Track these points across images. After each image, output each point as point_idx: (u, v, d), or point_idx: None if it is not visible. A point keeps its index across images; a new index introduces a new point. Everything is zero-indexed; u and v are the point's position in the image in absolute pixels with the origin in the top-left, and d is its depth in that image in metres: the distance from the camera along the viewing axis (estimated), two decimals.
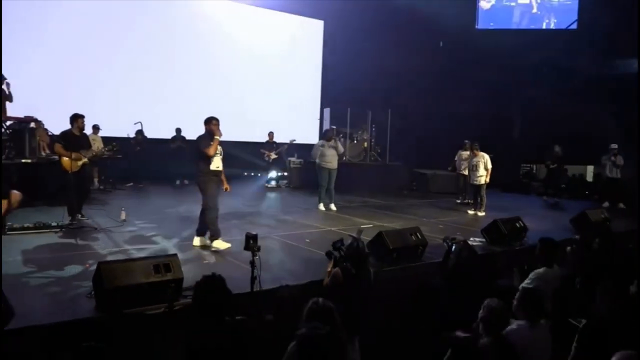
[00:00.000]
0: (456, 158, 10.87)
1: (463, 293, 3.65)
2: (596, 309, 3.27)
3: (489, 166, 9.07)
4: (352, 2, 13.74)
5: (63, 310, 3.45)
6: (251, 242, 3.78)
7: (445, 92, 15.09)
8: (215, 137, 5.56)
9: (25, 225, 5.87)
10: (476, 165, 9.12)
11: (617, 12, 14.44)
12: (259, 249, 3.80)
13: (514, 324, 2.93)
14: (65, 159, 6.54)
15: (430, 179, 12.55)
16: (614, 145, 11.10)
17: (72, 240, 5.60)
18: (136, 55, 11.48)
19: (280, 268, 4.82)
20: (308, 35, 14.63)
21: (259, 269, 3.77)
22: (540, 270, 4.08)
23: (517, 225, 6.26)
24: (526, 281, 4.03)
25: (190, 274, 4.15)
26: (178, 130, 11.56)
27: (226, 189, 5.81)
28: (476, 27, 18.09)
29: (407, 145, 13.93)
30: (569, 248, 4.59)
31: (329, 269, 3.98)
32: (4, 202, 5.73)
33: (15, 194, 6.06)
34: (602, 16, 15.07)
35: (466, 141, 10.48)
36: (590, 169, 15.67)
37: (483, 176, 9.00)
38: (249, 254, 3.79)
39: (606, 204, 10.83)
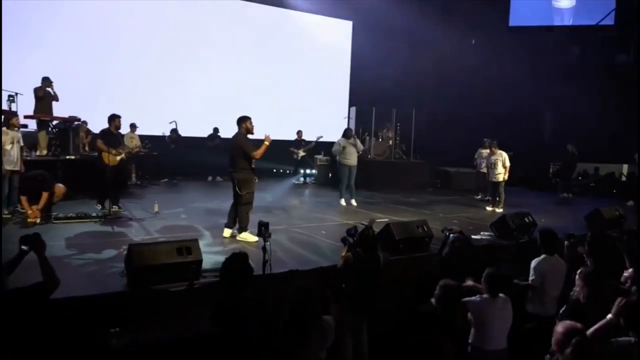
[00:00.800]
0: (476, 156, 11.07)
1: (455, 280, 3.97)
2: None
3: (507, 164, 9.26)
4: (382, 1, 14.06)
5: (99, 285, 3.98)
6: (263, 229, 4.23)
7: (475, 90, 15.17)
8: (265, 142, 5.99)
9: (69, 215, 6.49)
10: (494, 163, 9.32)
11: None
12: (270, 235, 4.24)
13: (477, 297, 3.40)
14: (106, 154, 7.17)
15: (453, 177, 12.75)
16: None
17: (109, 229, 6.19)
18: (172, 58, 12.10)
19: (293, 256, 5.25)
20: (337, 36, 15.01)
21: (269, 254, 4.21)
22: (540, 258, 4.34)
23: (526, 220, 6.49)
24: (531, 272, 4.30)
25: (212, 259, 4.64)
26: (215, 130, 12.15)
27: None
28: (509, 24, 18.13)
29: (433, 144, 14.14)
30: (566, 242, 4.82)
31: (343, 254, 4.33)
32: (45, 196, 6.42)
33: (60, 187, 6.75)
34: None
35: (485, 139, 10.67)
36: (625, 167, 15.44)
37: (501, 174, 9.20)
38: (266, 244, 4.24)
39: (630, 202, 10.81)
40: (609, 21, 16.98)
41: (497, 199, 9.19)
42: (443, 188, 12.69)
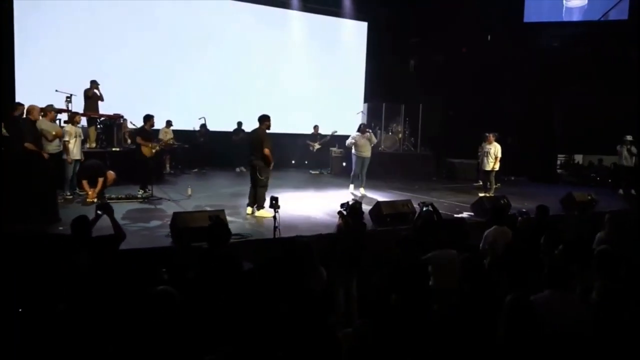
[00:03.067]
0: (479, 150, 12.08)
1: (424, 243, 5.13)
2: None
3: (499, 155, 10.29)
4: (396, 2, 15.10)
5: (152, 242, 5.31)
6: (274, 201, 5.49)
7: (487, 85, 15.91)
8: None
9: (119, 196, 7.89)
10: (488, 152, 10.37)
11: None
12: (279, 207, 5.49)
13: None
14: (145, 147, 8.56)
15: (458, 168, 13.80)
16: (629, 137, 11.87)
17: (152, 207, 7.59)
18: (200, 60, 13.36)
19: (302, 226, 6.51)
20: (352, 37, 16.08)
21: (279, 222, 5.47)
22: (491, 228, 5.47)
23: (502, 202, 7.59)
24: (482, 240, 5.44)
25: (234, 228, 5.94)
26: (239, 124, 13.37)
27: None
28: (523, 20, 18.82)
29: (441, 137, 15.16)
30: (519, 218, 5.93)
31: (339, 223, 5.53)
32: (100, 181, 7.84)
33: (111, 174, 8.17)
34: None
35: (486, 134, 11.67)
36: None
37: (492, 163, 10.24)
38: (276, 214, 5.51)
39: (620, 191, 11.72)
40: (623, 16, 17.43)
41: (489, 186, 10.24)
42: (448, 178, 13.74)
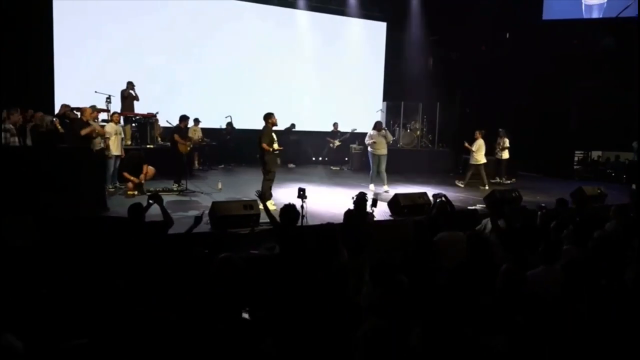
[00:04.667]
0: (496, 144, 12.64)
1: (437, 228, 5.65)
2: None
3: (482, 150, 11.44)
4: (415, 2, 15.57)
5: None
6: (301, 192, 6.07)
7: (506, 83, 15.98)
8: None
9: (157, 189, 8.56)
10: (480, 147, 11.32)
11: None
12: (306, 197, 6.08)
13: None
14: (181, 145, 9.24)
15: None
16: None
17: (188, 199, 8.26)
18: (225, 61, 14.04)
19: (325, 215, 7.08)
20: (373, 37, 16.58)
21: (306, 211, 6.06)
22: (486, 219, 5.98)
23: (513, 195, 8.06)
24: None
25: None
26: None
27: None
28: (542, 17, 19.08)
29: (459, 134, 15.55)
30: (539, 212, 6.42)
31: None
32: (144, 168, 8.55)
33: (151, 169, 8.86)
34: None
35: (500, 129, 12.19)
36: None
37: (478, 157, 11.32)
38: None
39: (633, 186, 12.02)
40: (633, 13, 17.58)
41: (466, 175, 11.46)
42: (465, 174, 14.14)
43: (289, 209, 4.98)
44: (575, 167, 17.22)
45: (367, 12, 16.01)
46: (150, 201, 5.16)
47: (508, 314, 2.77)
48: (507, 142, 12.07)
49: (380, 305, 2.88)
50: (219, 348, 2.57)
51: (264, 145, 7.79)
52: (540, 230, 5.60)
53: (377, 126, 10.84)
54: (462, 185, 11.30)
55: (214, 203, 5.98)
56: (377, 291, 3.11)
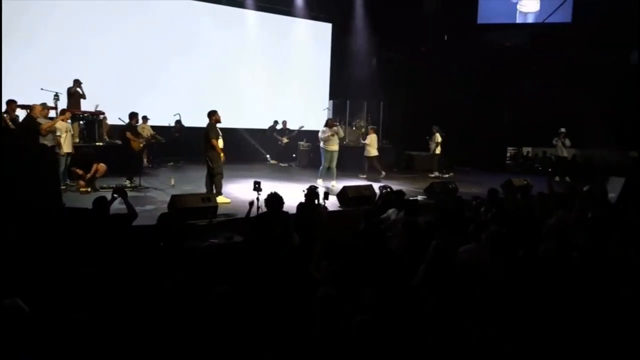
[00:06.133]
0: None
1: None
2: None
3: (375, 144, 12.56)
4: (359, 4, 16.21)
5: (153, 221, 6.18)
6: (257, 185, 6.47)
7: (445, 83, 16.66)
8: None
9: (110, 185, 8.67)
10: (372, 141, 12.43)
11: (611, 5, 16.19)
12: (261, 190, 6.48)
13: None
14: (134, 142, 9.37)
15: (416, 159, 15.05)
16: (563, 129, 13.37)
17: (143, 194, 8.45)
18: (175, 59, 14.10)
19: None
20: (319, 37, 17.10)
21: (261, 202, 6.45)
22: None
23: (450, 186, 8.80)
24: None
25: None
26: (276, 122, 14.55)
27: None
28: (477, 21, 20.22)
29: (402, 131, 16.42)
30: (474, 202, 7.14)
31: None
32: (94, 166, 8.63)
33: (102, 166, 8.95)
34: (595, 9, 16.88)
35: (434, 126, 13.21)
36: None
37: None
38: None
39: (557, 178, 13.19)
40: (567, 19, 19.04)
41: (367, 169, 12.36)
42: (407, 169, 14.98)
43: (273, 196, 5.41)
44: (507, 162, 18.51)
45: (313, 13, 16.51)
46: (115, 195, 5.42)
47: (440, 278, 3.32)
48: (439, 138, 13.13)
49: (330, 277, 3.38)
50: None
51: (213, 142, 8.09)
52: (474, 215, 6.31)
53: (329, 123, 11.22)
54: (364, 176, 12.28)
55: (173, 196, 6.26)
56: (329, 265, 3.61)
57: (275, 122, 15.17)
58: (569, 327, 3.02)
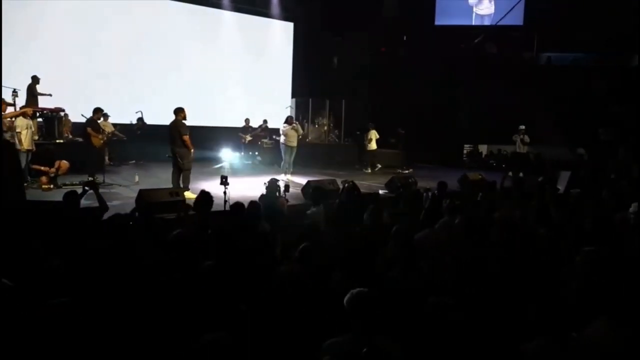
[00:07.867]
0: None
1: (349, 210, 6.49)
2: None
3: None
4: (318, 4, 16.50)
5: None
6: (224, 179, 6.64)
7: (405, 82, 17.39)
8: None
9: (74, 182, 8.60)
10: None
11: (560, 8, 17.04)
12: (228, 184, 6.65)
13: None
14: (95, 138, 9.32)
15: (378, 156, 15.44)
16: (522, 127, 14.03)
17: (107, 191, 8.41)
18: (138, 57, 14.06)
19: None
20: (281, 36, 17.32)
21: (228, 196, 6.63)
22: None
23: (410, 181, 9.18)
24: None
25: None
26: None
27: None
28: (435, 23, 20.87)
29: (364, 129, 16.79)
30: (425, 194, 7.51)
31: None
32: (57, 163, 8.55)
33: (64, 163, 8.87)
34: (545, 12, 17.78)
35: (370, 123, 13.97)
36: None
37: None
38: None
39: (510, 173, 13.84)
40: (519, 22, 19.93)
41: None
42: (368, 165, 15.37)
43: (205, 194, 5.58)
44: (464, 158, 19.25)
45: (276, 12, 16.68)
46: (86, 188, 5.48)
47: (404, 259, 3.62)
48: (373, 135, 13.84)
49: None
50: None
51: (185, 138, 8.19)
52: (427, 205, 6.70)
53: (289, 120, 11.73)
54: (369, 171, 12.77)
55: (141, 190, 6.34)
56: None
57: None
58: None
